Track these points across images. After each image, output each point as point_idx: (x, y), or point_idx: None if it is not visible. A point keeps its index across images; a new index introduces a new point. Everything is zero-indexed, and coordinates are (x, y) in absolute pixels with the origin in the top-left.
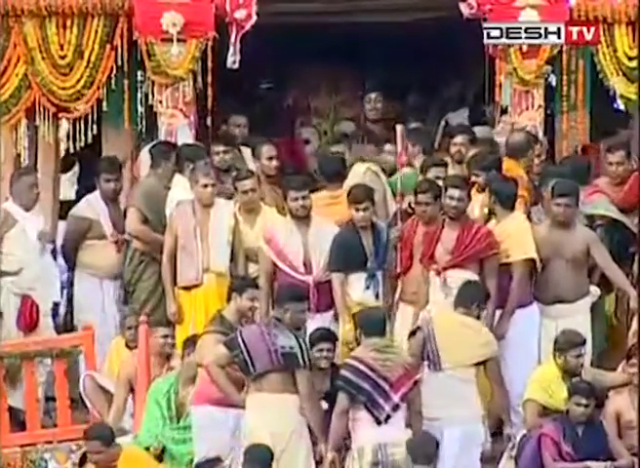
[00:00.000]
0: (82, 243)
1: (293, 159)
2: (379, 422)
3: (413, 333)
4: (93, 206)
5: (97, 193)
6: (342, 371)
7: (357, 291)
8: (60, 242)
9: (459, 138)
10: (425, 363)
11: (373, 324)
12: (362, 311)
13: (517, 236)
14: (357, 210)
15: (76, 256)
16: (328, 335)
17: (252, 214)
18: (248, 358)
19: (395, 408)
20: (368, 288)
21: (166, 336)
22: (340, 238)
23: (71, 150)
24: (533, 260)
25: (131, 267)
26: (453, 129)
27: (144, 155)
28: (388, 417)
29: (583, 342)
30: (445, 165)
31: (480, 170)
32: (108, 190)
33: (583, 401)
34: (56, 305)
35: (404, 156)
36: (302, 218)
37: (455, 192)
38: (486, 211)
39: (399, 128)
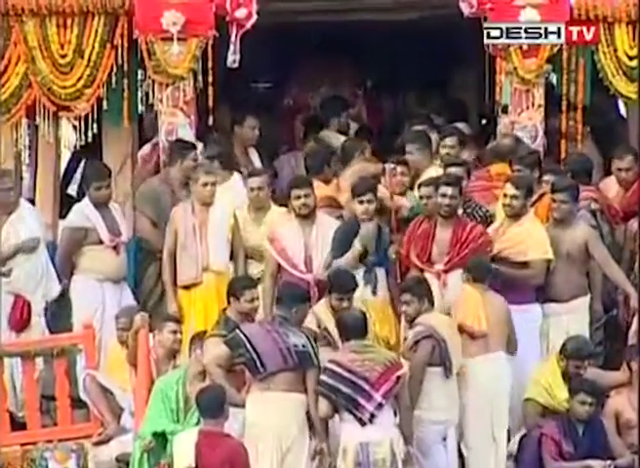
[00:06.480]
0: (79, 250)
1: None
2: (363, 423)
3: None
4: (86, 214)
5: (87, 201)
6: (321, 376)
7: None
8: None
9: (448, 141)
10: (434, 370)
11: (350, 327)
12: (340, 316)
13: (536, 236)
14: (361, 202)
15: (70, 266)
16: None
17: (260, 212)
18: (256, 357)
19: (379, 406)
20: (366, 284)
21: (175, 332)
22: (341, 230)
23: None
24: (548, 260)
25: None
26: (442, 130)
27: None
28: (373, 417)
29: (589, 355)
30: (463, 164)
31: (524, 167)
32: (99, 198)
33: (588, 399)
34: (46, 309)
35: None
36: (306, 217)
37: (447, 189)
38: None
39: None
